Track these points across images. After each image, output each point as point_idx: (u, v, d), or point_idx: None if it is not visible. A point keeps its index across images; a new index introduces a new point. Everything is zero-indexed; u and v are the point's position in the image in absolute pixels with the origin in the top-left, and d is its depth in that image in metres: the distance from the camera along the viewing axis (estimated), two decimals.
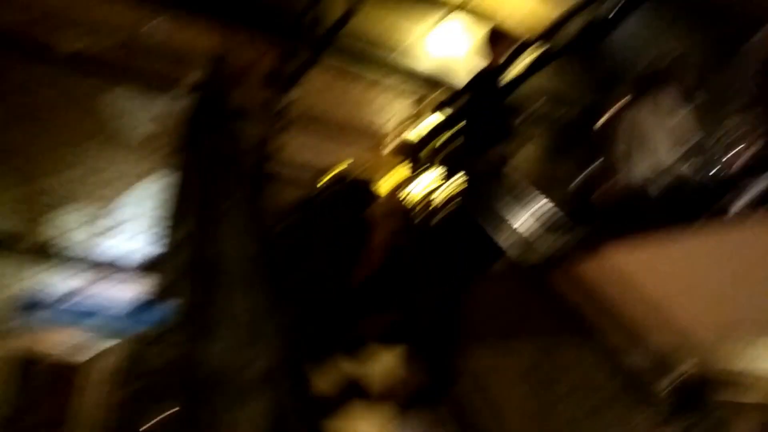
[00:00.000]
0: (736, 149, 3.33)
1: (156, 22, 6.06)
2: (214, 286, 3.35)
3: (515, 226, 3.04)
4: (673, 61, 3.80)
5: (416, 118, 7.26)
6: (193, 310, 3.45)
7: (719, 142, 3.51)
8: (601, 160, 3.84)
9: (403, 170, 5.46)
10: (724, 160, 3.38)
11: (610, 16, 3.02)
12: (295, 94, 6.93)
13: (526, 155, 4.65)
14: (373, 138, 7.68)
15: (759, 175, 2.53)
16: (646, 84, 3.88)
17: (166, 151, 5.36)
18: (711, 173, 3.27)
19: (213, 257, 3.41)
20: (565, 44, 3.62)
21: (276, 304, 3.48)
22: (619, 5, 3.03)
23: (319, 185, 6.95)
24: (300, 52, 6.62)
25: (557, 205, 3.26)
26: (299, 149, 7.31)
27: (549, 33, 4.68)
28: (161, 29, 6.10)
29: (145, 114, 6.14)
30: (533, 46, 4.11)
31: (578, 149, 4.75)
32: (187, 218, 3.70)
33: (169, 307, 3.55)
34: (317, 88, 7.42)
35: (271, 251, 4.41)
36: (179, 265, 3.55)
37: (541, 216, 2.88)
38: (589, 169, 3.09)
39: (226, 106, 4.24)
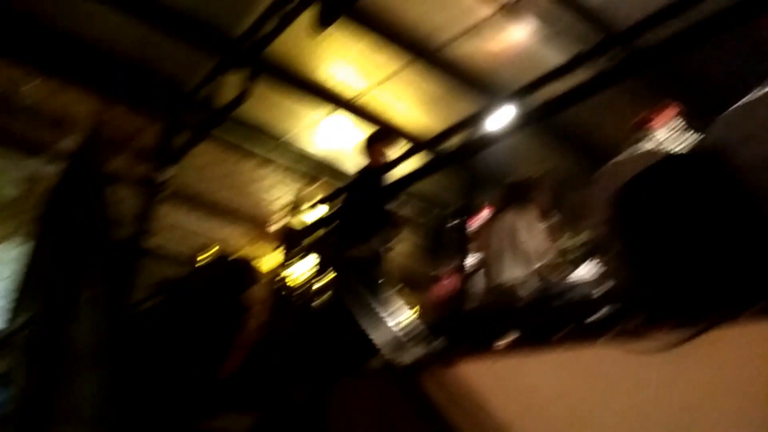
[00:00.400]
0: (589, 266, 3.60)
1: (31, 84, 5.79)
2: (58, 373, 3.05)
3: (389, 324, 3.05)
4: (539, 176, 4.10)
5: (302, 203, 7.29)
6: (31, 398, 3.11)
7: (574, 257, 3.80)
8: (470, 261, 3.98)
9: (283, 255, 5.39)
10: (578, 275, 3.62)
11: (493, 133, 3.24)
12: (178, 168, 6.76)
13: (400, 253, 4.80)
14: (258, 218, 7.61)
15: (612, 294, 2.74)
16: (516, 193, 4.13)
17: (29, 216, 5.00)
18: (567, 287, 3.48)
19: (61, 340, 3.12)
20: (447, 155, 3.83)
21: (127, 396, 3.22)
22: (503, 125, 3.26)
23: (197, 263, 6.72)
24: (186, 127, 6.53)
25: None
26: (179, 224, 7.10)
27: (433, 142, 4.97)
28: (36, 92, 5.83)
29: (11, 176, 5.75)
30: (417, 153, 4.34)
31: (449, 250, 4.95)
32: (37, 294, 3.39)
33: (7, 393, 3.19)
34: (203, 164, 7.33)
35: (131, 337, 4.12)
36: (21, 347, 3.22)
37: (406, 325, 2.92)
38: (459, 269, 3.21)
39: (98, 175, 4.02)
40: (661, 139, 2.97)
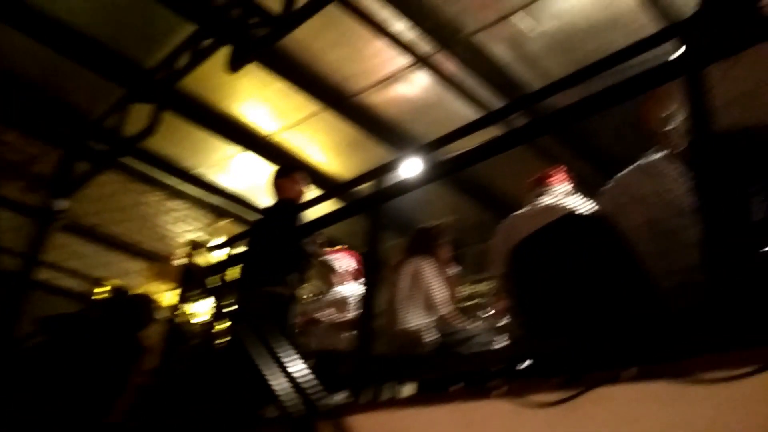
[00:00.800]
0: (488, 318, 3.71)
1: None
2: None
3: (290, 370, 2.99)
4: (445, 224, 4.21)
5: (208, 239, 7.12)
6: None
7: (476, 307, 3.89)
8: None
9: (184, 293, 5.20)
10: (478, 326, 3.73)
11: (403, 183, 3.31)
12: (78, 197, 6.47)
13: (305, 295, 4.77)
14: (161, 253, 7.35)
15: (507, 347, 2.84)
16: (422, 240, 4.21)
17: None
18: (466, 337, 3.57)
19: None
20: (357, 203, 3.87)
21: None
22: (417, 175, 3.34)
23: (93, 297, 6.39)
24: (89, 156, 6.29)
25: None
26: (76, 257, 6.77)
27: (343, 188, 5.02)
28: None
29: None
30: (327, 200, 4.35)
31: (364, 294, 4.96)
32: None
33: None
34: (106, 194, 7.06)
35: (11, 376, 3.83)
36: None
37: (307, 372, 2.88)
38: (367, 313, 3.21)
39: None
40: (557, 197, 3.13)
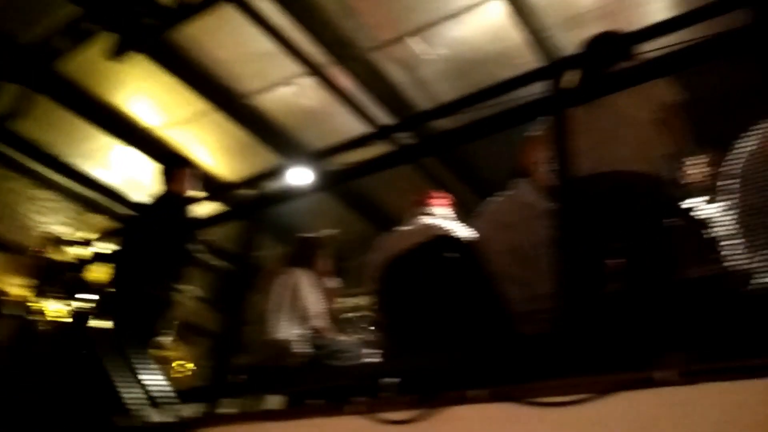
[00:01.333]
0: (360, 332, 3.73)
1: None
2: None
3: (145, 380, 2.83)
4: (326, 236, 4.19)
5: (74, 234, 6.67)
6: None
7: (350, 320, 3.90)
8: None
9: (42, 289, 4.84)
10: (348, 339, 3.73)
11: (288, 190, 3.27)
12: None
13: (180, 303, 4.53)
14: (19, 244, 6.78)
15: (371, 363, 2.85)
16: (303, 251, 4.17)
17: None
18: (336, 351, 3.56)
19: None
20: (240, 207, 3.77)
21: None
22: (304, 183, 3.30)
23: None
24: None
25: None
26: None
27: (225, 189, 4.86)
28: None
29: None
30: (210, 200, 4.20)
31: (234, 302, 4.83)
32: None
33: None
34: None
35: None
36: None
37: (163, 382, 2.76)
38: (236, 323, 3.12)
39: None
40: (434, 219, 3.21)
